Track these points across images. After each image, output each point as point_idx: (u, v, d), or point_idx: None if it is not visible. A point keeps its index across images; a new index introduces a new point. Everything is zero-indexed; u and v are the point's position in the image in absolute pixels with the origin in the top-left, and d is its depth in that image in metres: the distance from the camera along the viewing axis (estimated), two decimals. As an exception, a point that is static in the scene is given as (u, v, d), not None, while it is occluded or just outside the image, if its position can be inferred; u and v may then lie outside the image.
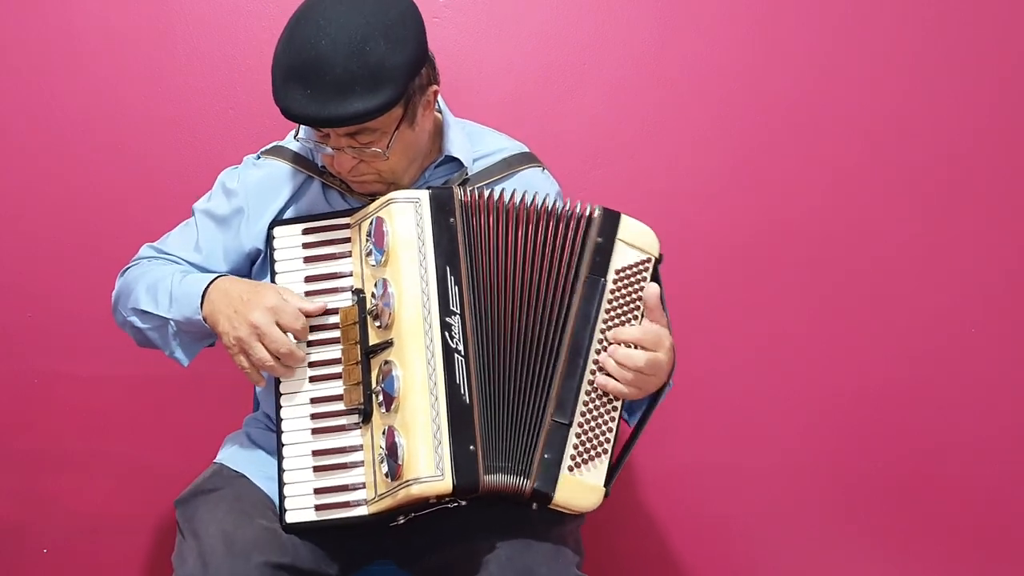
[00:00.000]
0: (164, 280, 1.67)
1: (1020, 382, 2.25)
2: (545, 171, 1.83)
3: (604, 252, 1.59)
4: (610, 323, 1.58)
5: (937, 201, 2.25)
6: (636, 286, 1.60)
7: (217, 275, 1.65)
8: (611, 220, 1.61)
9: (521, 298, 1.58)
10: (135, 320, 1.71)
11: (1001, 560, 2.27)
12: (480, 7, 2.23)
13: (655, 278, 1.62)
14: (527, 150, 1.84)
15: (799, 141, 2.24)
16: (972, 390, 2.25)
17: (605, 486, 1.56)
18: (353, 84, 1.50)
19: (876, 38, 2.24)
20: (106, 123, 2.19)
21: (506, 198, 1.60)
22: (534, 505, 1.54)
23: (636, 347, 1.56)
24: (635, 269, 1.61)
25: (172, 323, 1.66)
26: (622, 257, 1.60)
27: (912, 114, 2.25)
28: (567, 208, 1.61)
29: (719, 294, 2.24)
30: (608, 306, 1.58)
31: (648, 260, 1.62)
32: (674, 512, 2.27)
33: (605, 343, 1.57)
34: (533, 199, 1.61)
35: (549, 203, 1.61)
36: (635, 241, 1.61)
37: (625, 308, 1.59)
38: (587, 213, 1.61)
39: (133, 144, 2.19)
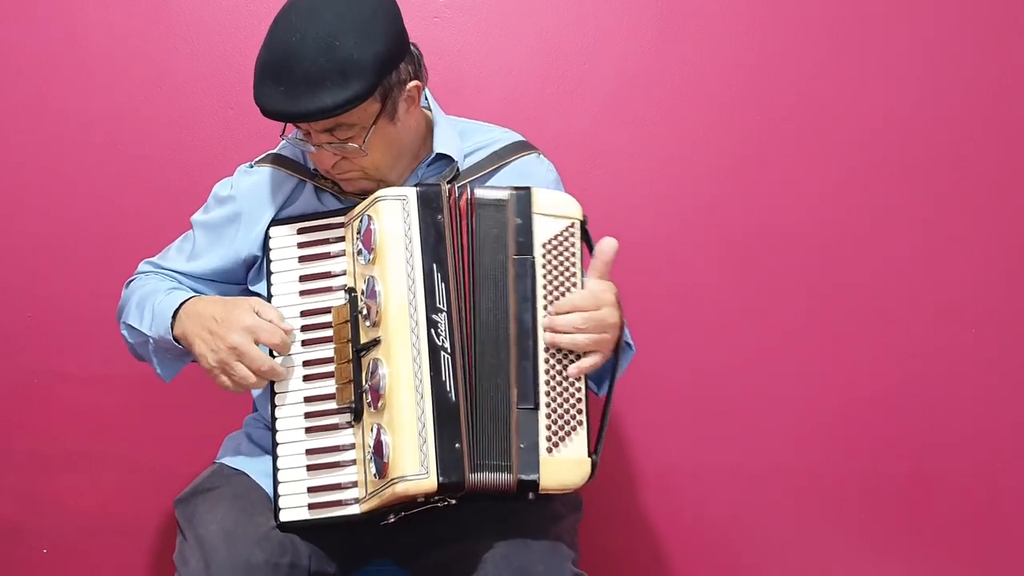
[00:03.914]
0: (151, 296, 1.69)
1: (1020, 382, 2.25)
2: (540, 156, 1.82)
3: (525, 231, 1.59)
4: (550, 296, 1.58)
5: (936, 202, 2.25)
6: (567, 253, 1.60)
7: (189, 295, 1.65)
8: (524, 198, 1.61)
9: (485, 292, 1.58)
10: (126, 334, 1.74)
11: (1001, 561, 2.27)
12: (480, 7, 2.23)
13: (586, 238, 1.62)
14: (520, 138, 1.83)
15: (799, 141, 2.24)
16: (972, 391, 2.25)
17: (591, 456, 1.56)
18: (323, 79, 1.51)
19: (876, 41, 2.24)
20: (106, 123, 2.19)
21: (476, 193, 1.61)
22: (530, 495, 1.54)
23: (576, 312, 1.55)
24: (561, 237, 1.60)
25: (151, 340, 1.68)
26: (544, 230, 1.60)
27: (912, 115, 2.24)
28: (485, 197, 1.61)
29: (720, 294, 2.24)
30: (544, 281, 1.58)
31: (572, 224, 1.61)
32: (671, 512, 2.27)
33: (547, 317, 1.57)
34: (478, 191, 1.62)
35: (479, 194, 1.61)
36: (553, 211, 1.61)
37: (562, 278, 1.59)
38: (500, 197, 1.61)
39: (133, 144, 2.20)
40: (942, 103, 2.24)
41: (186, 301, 1.64)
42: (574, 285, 1.59)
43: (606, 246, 1.58)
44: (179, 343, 1.63)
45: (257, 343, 1.56)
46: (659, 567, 2.28)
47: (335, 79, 1.52)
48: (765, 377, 2.25)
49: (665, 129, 2.24)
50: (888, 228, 2.25)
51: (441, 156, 1.73)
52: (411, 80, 1.63)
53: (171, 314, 1.63)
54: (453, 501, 1.51)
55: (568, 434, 1.55)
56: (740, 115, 2.24)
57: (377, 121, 1.60)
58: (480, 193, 1.60)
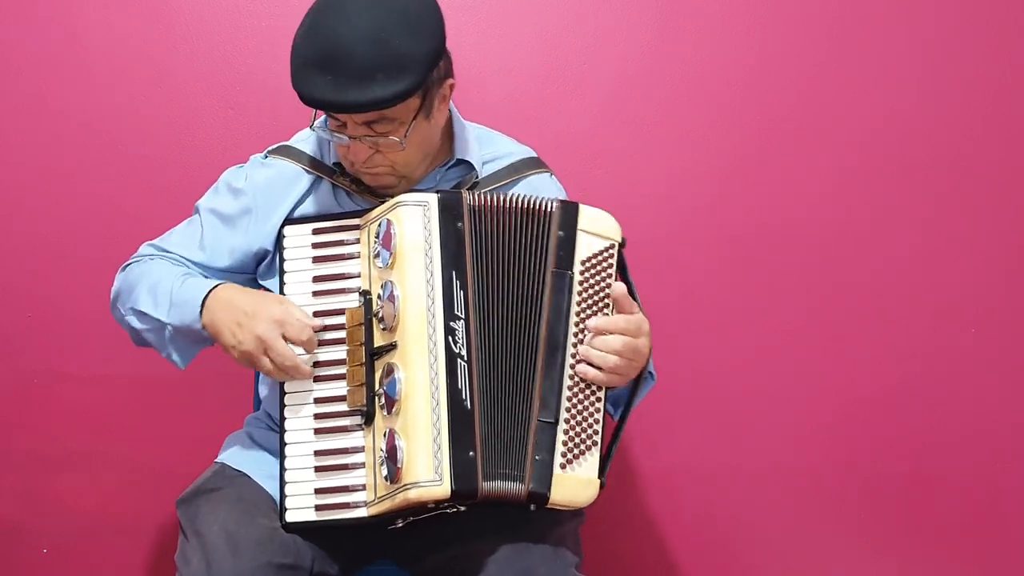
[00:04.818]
0: (165, 282, 1.67)
1: (1020, 382, 2.25)
2: (552, 176, 1.83)
3: (567, 245, 1.59)
4: (583, 315, 1.58)
5: (936, 202, 2.25)
6: (604, 273, 1.60)
7: (216, 283, 1.64)
8: (570, 212, 1.60)
9: (508, 301, 1.57)
10: (133, 320, 1.71)
11: (1001, 561, 2.27)
12: (480, 7, 2.23)
13: (620, 261, 1.62)
14: (535, 155, 1.84)
15: (799, 141, 2.24)
16: (972, 391, 2.25)
17: (599, 478, 1.56)
18: (375, 71, 1.51)
19: (876, 41, 2.24)
20: (106, 123, 2.19)
21: (506, 201, 1.61)
22: (532, 507, 1.54)
23: (615, 334, 1.55)
24: (600, 257, 1.60)
25: (169, 327, 1.66)
26: (586, 247, 1.60)
27: (912, 115, 2.25)
28: (529, 205, 1.60)
29: (720, 294, 2.25)
30: (579, 298, 1.58)
31: (612, 246, 1.62)
32: (674, 512, 2.27)
33: (581, 336, 1.57)
34: (512, 198, 1.61)
35: (518, 201, 1.60)
36: (596, 229, 1.61)
37: (596, 297, 1.59)
38: (546, 208, 1.60)
39: (133, 144, 2.19)
40: (942, 103, 2.25)
41: (215, 288, 1.63)
42: (607, 306, 1.59)
43: (616, 291, 1.57)
44: (205, 330, 1.62)
45: (284, 338, 1.56)
46: (659, 567, 2.28)
47: (388, 72, 1.52)
48: (765, 377, 2.25)
49: (665, 129, 2.24)
50: (888, 228, 2.25)
51: (460, 161, 1.74)
52: (447, 78, 1.64)
53: (199, 302, 1.62)
54: (463, 508, 1.52)
55: (583, 452, 1.55)
56: (740, 115, 2.24)
57: (416, 117, 1.60)
58: (525, 200, 1.60)
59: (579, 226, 1.60)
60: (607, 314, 1.58)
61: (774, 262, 2.25)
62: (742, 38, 2.24)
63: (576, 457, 1.55)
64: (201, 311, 1.61)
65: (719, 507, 2.27)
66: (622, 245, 1.63)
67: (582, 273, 1.59)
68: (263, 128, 2.16)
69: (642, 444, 2.26)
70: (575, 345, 1.56)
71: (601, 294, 1.59)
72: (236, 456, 1.73)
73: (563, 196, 1.82)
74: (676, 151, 2.24)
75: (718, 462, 2.26)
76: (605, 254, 1.61)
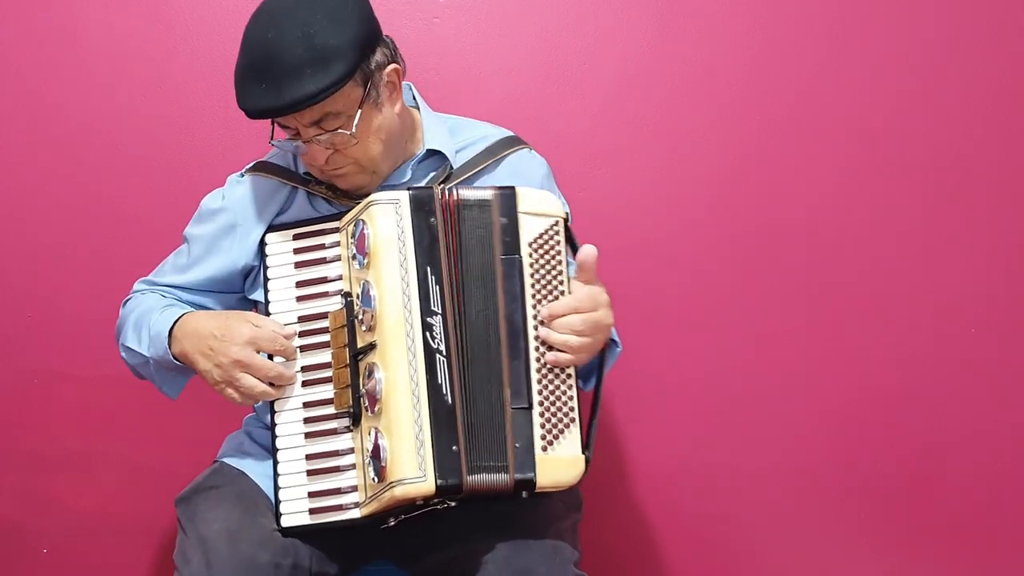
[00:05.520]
0: (146, 316, 1.70)
1: (1020, 382, 2.25)
2: (531, 151, 1.83)
3: (511, 230, 1.59)
4: (539, 295, 1.58)
5: (936, 201, 2.25)
6: (553, 251, 1.60)
7: (182, 313, 1.67)
8: (508, 197, 1.61)
9: (476, 293, 1.58)
10: (125, 356, 1.75)
11: (1001, 561, 2.27)
12: (480, 7, 2.23)
13: (569, 236, 1.63)
14: (510, 134, 1.84)
15: (799, 141, 2.24)
16: (972, 390, 2.25)
17: (584, 452, 1.56)
18: (302, 67, 1.53)
19: (876, 41, 2.24)
20: (106, 123, 2.19)
21: (458, 193, 1.61)
22: (524, 494, 1.54)
23: (569, 314, 1.56)
24: (546, 236, 1.60)
25: (152, 361, 1.69)
26: (530, 229, 1.60)
27: (912, 115, 2.24)
28: (468, 197, 1.60)
29: (720, 293, 2.24)
30: (532, 280, 1.58)
31: (556, 223, 1.62)
32: (672, 511, 2.27)
33: (541, 318, 1.57)
34: (460, 192, 1.61)
35: (465, 194, 1.61)
36: (537, 210, 1.61)
37: (550, 276, 1.59)
38: (484, 197, 1.60)
39: (133, 144, 2.20)
40: (942, 103, 2.24)
41: (180, 318, 1.65)
42: (561, 283, 1.59)
43: (588, 254, 1.57)
44: (179, 361, 1.64)
45: (259, 352, 1.57)
46: (658, 567, 2.28)
47: (316, 65, 1.53)
48: (765, 377, 2.25)
49: (665, 129, 2.24)
50: (888, 228, 2.25)
51: (432, 152, 1.74)
52: (389, 64, 1.64)
53: (167, 333, 1.64)
54: (452, 503, 1.52)
55: (561, 432, 1.55)
56: (740, 115, 2.24)
57: (362, 106, 1.60)
58: (464, 193, 1.60)
59: (519, 209, 1.60)
60: (563, 292, 1.58)
61: (774, 262, 2.24)
62: (742, 38, 2.24)
63: (556, 437, 1.55)
64: (169, 342, 1.63)
65: (719, 507, 2.26)
66: (567, 219, 1.63)
67: (531, 255, 1.59)
68: (263, 128, 2.13)
69: (641, 443, 2.26)
70: (536, 328, 1.57)
71: (554, 272, 1.59)
72: (236, 455, 1.75)
73: (545, 169, 1.83)
74: (676, 151, 2.24)
75: (718, 462, 2.26)
76: (551, 231, 1.61)
